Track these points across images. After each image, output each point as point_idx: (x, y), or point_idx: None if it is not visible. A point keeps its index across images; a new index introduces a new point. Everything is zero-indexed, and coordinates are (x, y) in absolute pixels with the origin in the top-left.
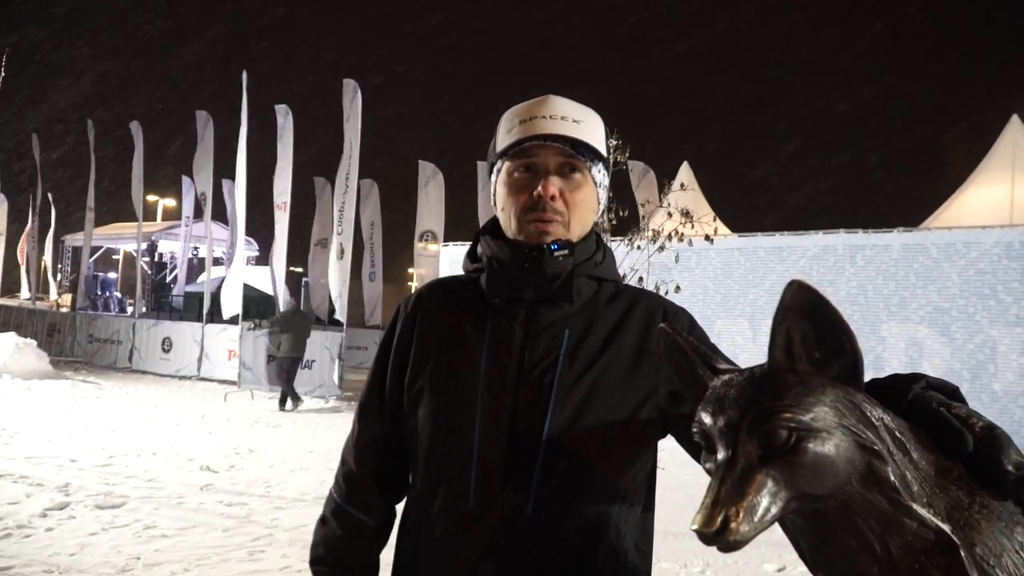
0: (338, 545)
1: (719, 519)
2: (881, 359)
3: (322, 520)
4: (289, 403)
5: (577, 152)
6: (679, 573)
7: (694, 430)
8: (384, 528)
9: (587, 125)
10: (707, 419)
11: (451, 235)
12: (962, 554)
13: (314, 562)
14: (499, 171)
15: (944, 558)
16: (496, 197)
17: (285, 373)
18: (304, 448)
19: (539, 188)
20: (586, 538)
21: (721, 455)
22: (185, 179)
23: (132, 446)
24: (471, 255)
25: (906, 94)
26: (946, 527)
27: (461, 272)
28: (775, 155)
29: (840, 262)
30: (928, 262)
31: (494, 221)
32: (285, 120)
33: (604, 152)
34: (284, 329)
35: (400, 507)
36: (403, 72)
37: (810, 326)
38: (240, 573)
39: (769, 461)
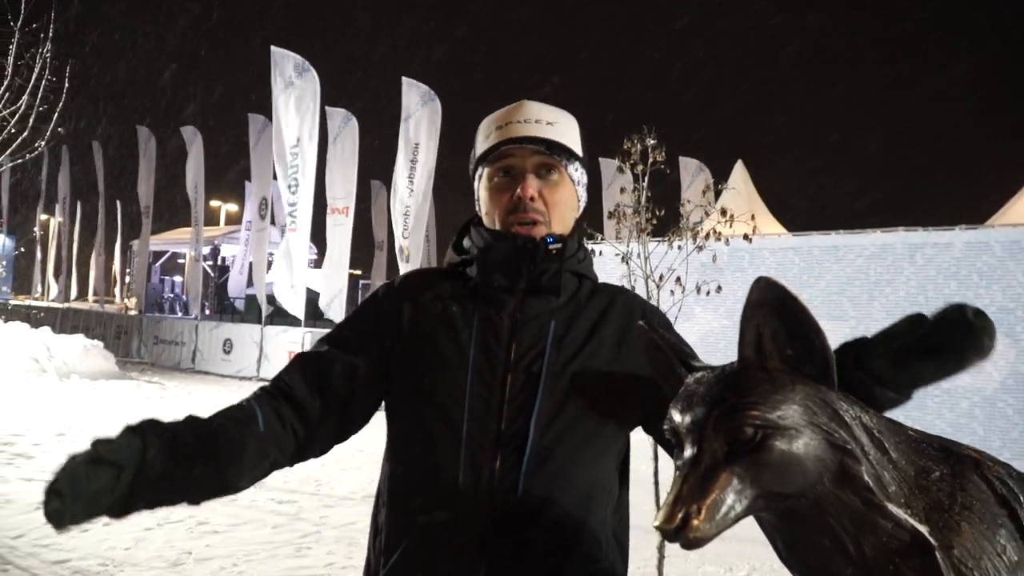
0: (226, 410)
1: (679, 516)
2: None
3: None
4: None
5: (552, 152)
6: None
7: (664, 427)
8: (264, 437)
9: (561, 126)
10: (676, 416)
11: None
12: (938, 556)
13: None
14: (480, 177)
15: (919, 559)
16: (480, 203)
17: None
18: (355, 448)
19: (518, 190)
20: (572, 520)
21: (688, 452)
22: (248, 184)
23: None
24: (457, 247)
25: (974, 84)
26: (923, 528)
27: None
28: (836, 151)
29: (899, 261)
30: (992, 260)
31: (479, 217)
32: (345, 124)
33: (579, 152)
34: None
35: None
36: (452, 69)
37: (780, 323)
38: (286, 569)
39: (735, 459)
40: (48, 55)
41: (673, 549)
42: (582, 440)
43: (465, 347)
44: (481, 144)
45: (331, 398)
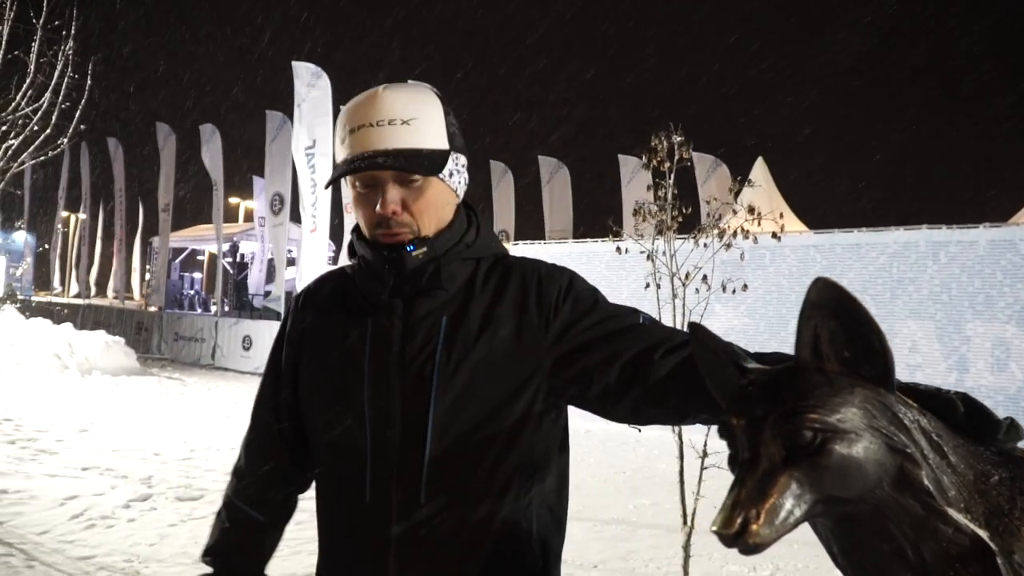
0: (225, 538)
1: (739, 521)
2: (966, 360)
3: (217, 512)
4: None
5: (411, 168)
6: None
7: (719, 429)
8: (276, 521)
9: (419, 123)
10: (732, 419)
11: (521, 234)
12: (999, 561)
13: (204, 554)
14: (345, 179)
15: (980, 565)
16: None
17: None
18: None
19: (378, 207)
20: (481, 525)
21: (745, 455)
22: (257, 180)
23: (212, 440)
24: (351, 249)
25: (998, 83)
26: (983, 533)
27: None
28: (857, 149)
29: (922, 259)
30: (1017, 259)
31: None
32: None
33: (445, 144)
34: None
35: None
36: (459, 68)
37: (838, 325)
38: (310, 565)
39: (793, 462)
40: (71, 53)
41: (697, 548)
42: (485, 439)
43: (359, 356)
44: (339, 149)
45: (297, 447)
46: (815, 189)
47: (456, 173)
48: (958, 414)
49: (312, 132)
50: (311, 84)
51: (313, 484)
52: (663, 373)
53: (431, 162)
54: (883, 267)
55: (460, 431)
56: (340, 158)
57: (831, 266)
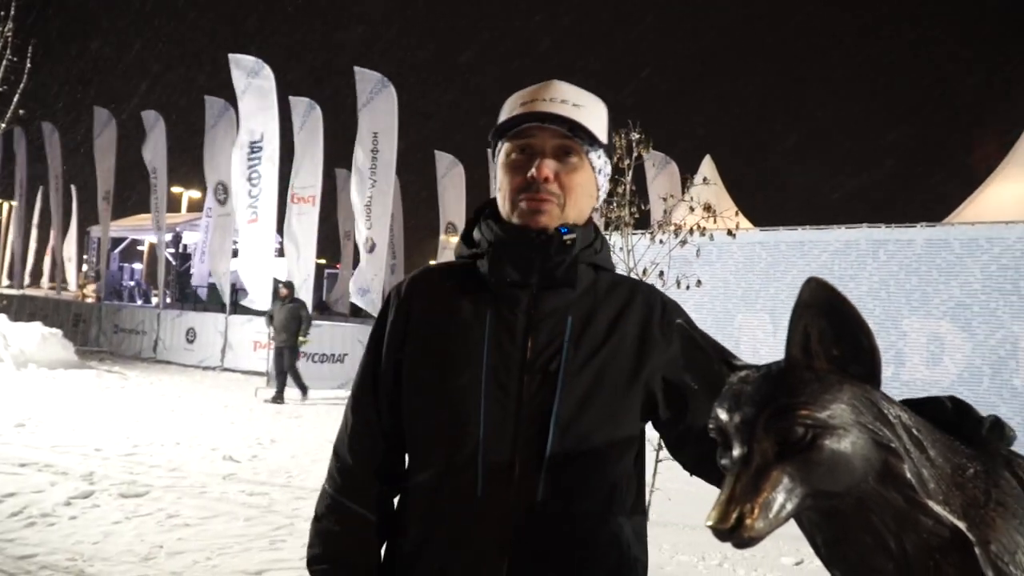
0: (336, 542)
1: (734, 515)
2: (903, 354)
3: (316, 518)
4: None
5: (574, 135)
6: (697, 566)
7: (711, 426)
8: (384, 520)
9: (587, 111)
10: (723, 415)
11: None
12: (976, 551)
13: (312, 562)
14: (498, 152)
15: (959, 555)
16: (496, 177)
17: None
18: (326, 438)
19: (533, 169)
20: (593, 523)
21: (737, 451)
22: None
23: (156, 436)
24: (466, 240)
25: (932, 90)
26: (962, 524)
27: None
28: (797, 150)
29: (862, 257)
30: (951, 257)
31: (491, 204)
32: (309, 113)
33: (604, 138)
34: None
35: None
36: (413, 58)
37: (828, 324)
38: (261, 562)
39: (785, 458)
40: (9, 35)
41: (648, 539)
42: (602, 442)
43: (478, 346)
44: (503, 118)
45: (397, 446)
46: (757, 187)
47: (603, 173)
48: (948, 413)
49: (258, 126)
50: (253, 75)
51: (407, 478)
52: None
53: (593, 141)
54: (825, 264)
55: (581, 431)
56: (505, 121)
57: (776, 263)
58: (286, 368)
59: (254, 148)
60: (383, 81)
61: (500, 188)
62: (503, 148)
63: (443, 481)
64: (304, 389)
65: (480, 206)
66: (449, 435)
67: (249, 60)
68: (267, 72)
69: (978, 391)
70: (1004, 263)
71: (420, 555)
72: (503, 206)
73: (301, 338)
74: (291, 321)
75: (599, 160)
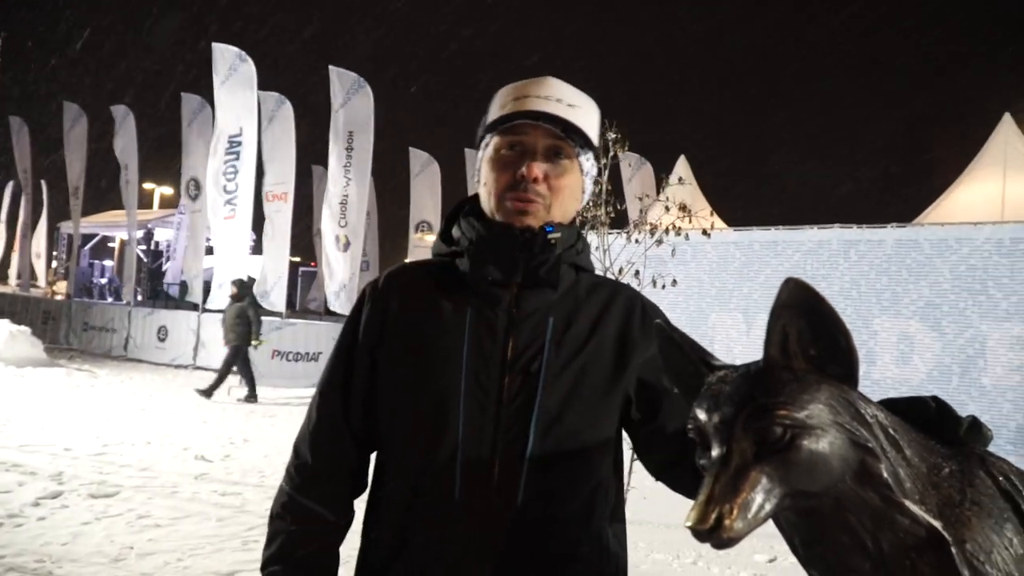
0: (293, 542)
1: (713, 516)
2: (873, 353)
3: (272, 517)
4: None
5: (567, 136)
6: (672, 564)
7: (689, 426)
8: (343, 523)
9: (582, 111)
10: (702, 415)
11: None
12: (952, 550)
13: (266, 564)
14: (486, 146)
15: (935, 554)
16: (480, 173)
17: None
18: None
19: (523, 168)
20: (576, 527)
21: (715, 451)
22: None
23: (126, 435)
24: (445, 237)
25: (903, 92)
26: (937, 524)
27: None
28: (771, 150)
29: (834, 257)
30: (920, 257)
31: (471, 201)
32: (279, 108)
33: (595, 141)
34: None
35: (362, 501)
36: (388, 56)
37: (806, 324)
38: (234, 563)
39: (764, 458)
40: None
41: None
42: (583, 444)
43: (458, 345)
44: (494, 113)
45: (365, 444)
46: (731, 187)
47: (590, 176)
48: (930, 411)
49: (237, 121)
50: (234, 68)
51: (379, 481)
52: None
53: (585, 143)
54: (798, 264)
55: (562, 433)
56: (497, 117)
57: (749, 262)
58: (237, 369)
59: (232, 143)
60: (359, 81)
61: (485, 184)
62: (492, 142)
63: (420, 483)
64: (253, 393)
65: (459, 203)
66: (427, 436)
67: (232, 51)
68: (249, 65)
69: (947, 390)
70: (973, 263)
71: (396, 559)
72: (487, 202)
73: (254, 341)
74: (237, 321)
75: (588, 163)
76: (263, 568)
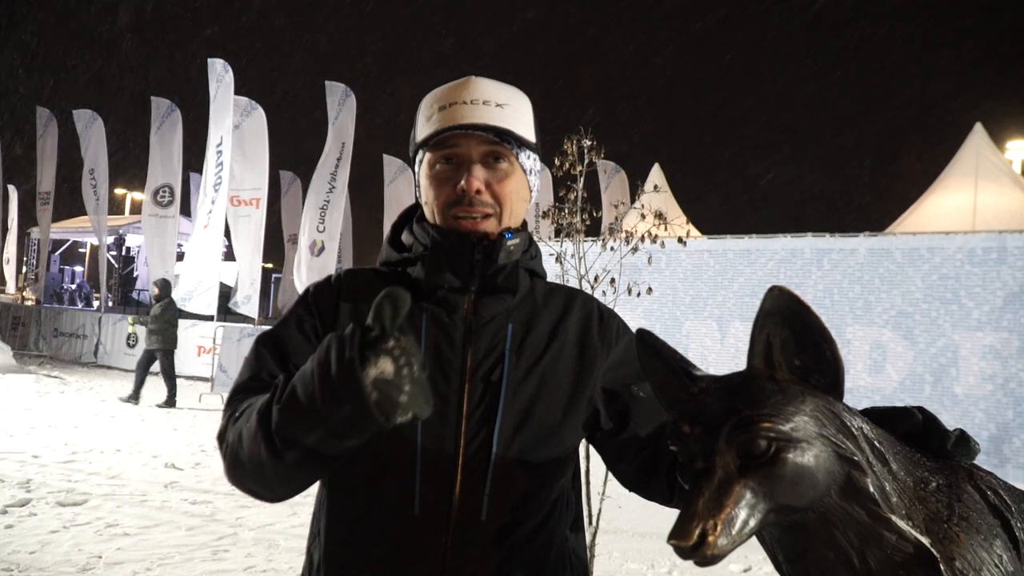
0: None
1: (696, 532)
2: (846, 361)
3: (223, 432)
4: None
5: (502, 140)
6: (646, 573)
7: (670, 438)
8: None
9: (512, 109)
10: (684, 427)
11: None
12: (941, 568)
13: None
14: (420, 163)
15: (923, 571)
16: (419, 190)
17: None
18: None
19: (462, 182)
20: (537, 540)
21: (698, 465)
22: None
23: (96, 442)
24: (394, 244)
25: (875, 103)
26: (925, 540)
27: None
28: (745, 159)
29: (807, 265)
30: (893, 266)
31: (421, 207)
32: (250, 113)
33: (533, 137)
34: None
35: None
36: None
37: (791, 333)
38: (204, 573)
39: (748, 472)
40: None
41: (598, 548)
42: (545, 455)
43: None
44: (422, 127)
45: None
46: (705, 196)
47: (534, 172)
48: (916, 423)
49: (220, 128)
50: (219, 79)
51: (325, 501)
52: None
53: (522, 144)
54: (771, 272)
55: (524, 443)
56: (424, 134)
57: (723, 270)
58: (161, 371)
59: (219, 152)
60: (347, 91)
61: (427, 202)
62: (425, 159)
63: (376, 496)
64: (172, 398)
65: (408, 209)
66: (383, 448)
67: (219, 63)
68: (230, 75)
69: (920, 398)
70: (945, 272)
71: (345, 573)
72: (433, 220)
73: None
74: (156, 323)
75: (529, 160)
76: (260, 417)
